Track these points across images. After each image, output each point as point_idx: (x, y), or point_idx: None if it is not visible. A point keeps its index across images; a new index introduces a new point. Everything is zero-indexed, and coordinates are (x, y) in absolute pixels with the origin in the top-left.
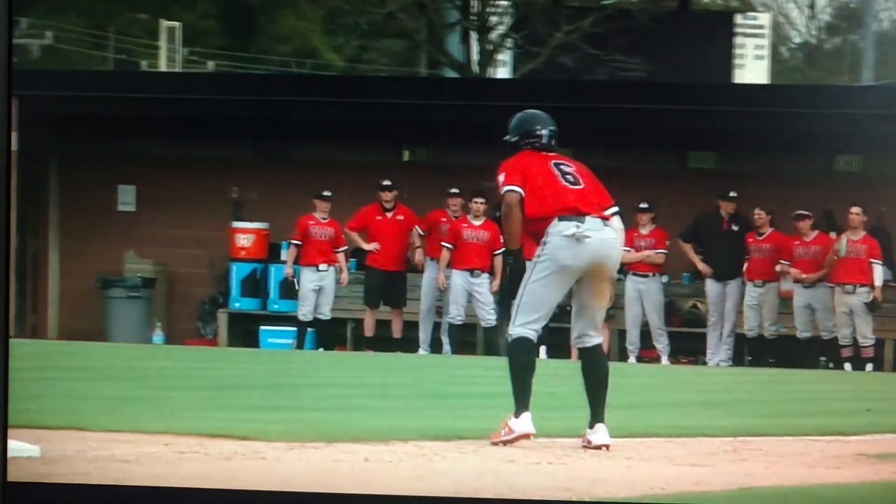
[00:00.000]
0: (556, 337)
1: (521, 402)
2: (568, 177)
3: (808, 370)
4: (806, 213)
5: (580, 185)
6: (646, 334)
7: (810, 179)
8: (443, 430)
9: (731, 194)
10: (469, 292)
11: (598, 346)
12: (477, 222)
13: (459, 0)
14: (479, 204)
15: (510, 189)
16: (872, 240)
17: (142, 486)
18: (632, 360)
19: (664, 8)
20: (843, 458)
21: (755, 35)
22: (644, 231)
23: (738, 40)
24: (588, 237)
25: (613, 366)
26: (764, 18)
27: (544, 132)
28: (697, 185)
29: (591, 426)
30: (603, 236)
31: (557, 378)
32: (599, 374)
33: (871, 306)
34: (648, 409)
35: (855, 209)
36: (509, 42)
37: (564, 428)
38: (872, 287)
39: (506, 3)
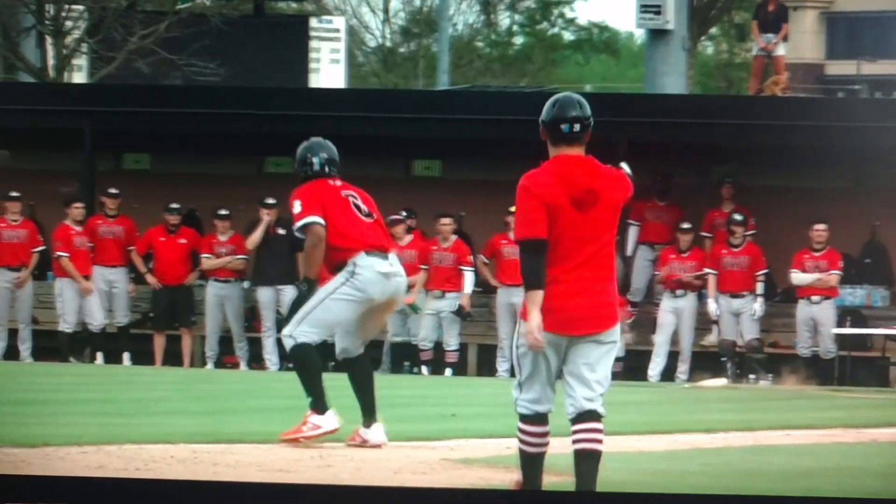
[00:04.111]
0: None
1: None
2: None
3: None
4: None
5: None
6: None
7: None
8: None
9: None
10: None
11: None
12: None
13: (34, 4)
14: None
15: None
16: None
17: (113, 478)
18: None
19: (239, 12)
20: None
21: (331, 39)
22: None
23: (313, 44)
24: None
25: None
26: (339, 22)
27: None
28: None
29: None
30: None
31: None
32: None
33: None
34: None
35: None
36: (84, 47)
37: None
38: None
39: (80, 7)
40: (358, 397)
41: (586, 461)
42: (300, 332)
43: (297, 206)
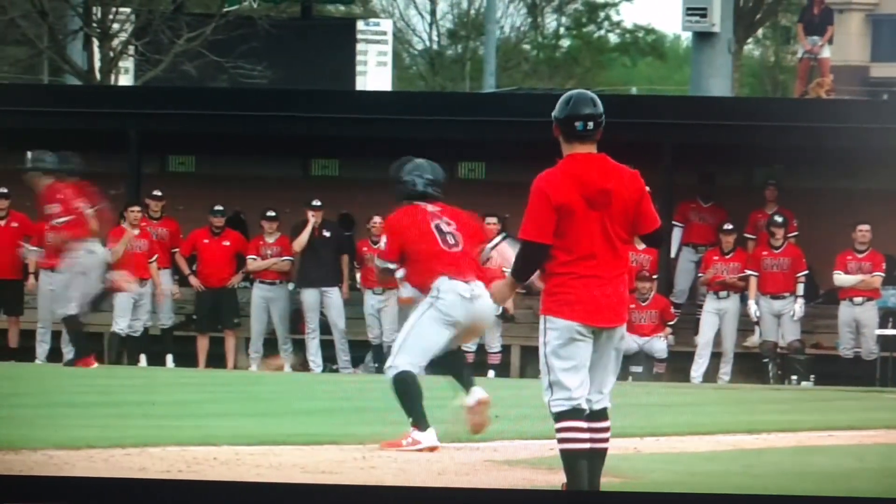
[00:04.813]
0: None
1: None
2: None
3: None
4: None
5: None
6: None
7: None
8: None
9: None
10: None
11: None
12: None
13: (81, 7)
14: None
15: None
16: None
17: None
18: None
19: (287, 15)
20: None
21: (378, 42)
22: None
23: (360, 47)
24: None
25: None
26: (386, 25)
27: None
28: None
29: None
30: None
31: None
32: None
33: None
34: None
35: None
36: (131, 49)
37: None
38: None
39: (127, 10)
40: (454, 376)
41: (598, 459)
42: (399, 362)
43: (382, 242)
